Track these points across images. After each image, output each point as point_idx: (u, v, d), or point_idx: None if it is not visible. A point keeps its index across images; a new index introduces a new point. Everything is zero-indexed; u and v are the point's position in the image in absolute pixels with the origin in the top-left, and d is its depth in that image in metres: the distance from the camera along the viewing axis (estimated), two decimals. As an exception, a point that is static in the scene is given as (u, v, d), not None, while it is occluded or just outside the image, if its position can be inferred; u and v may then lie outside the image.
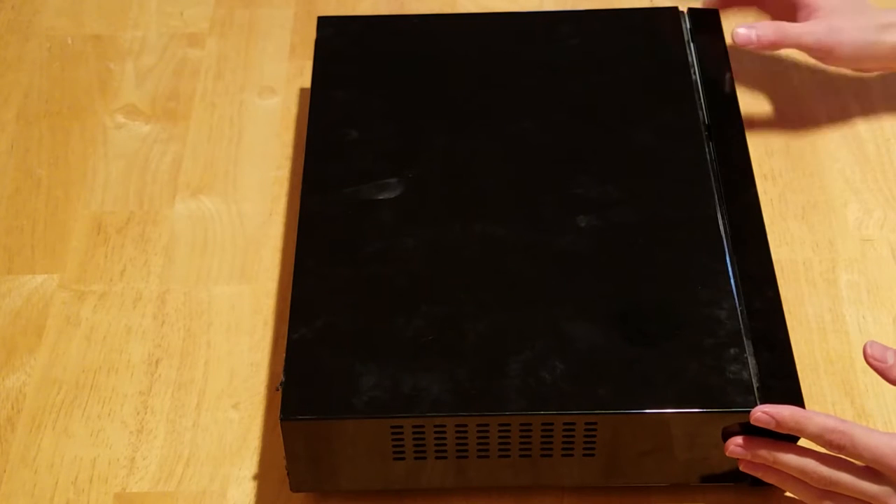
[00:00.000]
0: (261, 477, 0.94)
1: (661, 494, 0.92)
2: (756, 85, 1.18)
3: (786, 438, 0.87)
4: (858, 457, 0.84)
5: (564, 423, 0.87)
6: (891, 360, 0.86)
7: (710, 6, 1.14)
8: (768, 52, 1.11)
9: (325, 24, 1.13)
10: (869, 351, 0.87)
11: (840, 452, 0.85)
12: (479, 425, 0.87)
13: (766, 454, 0.87)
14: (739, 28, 1.06)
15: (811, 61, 1.17)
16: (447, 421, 0.87)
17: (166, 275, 1.06)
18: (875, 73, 1.16)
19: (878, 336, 1.00)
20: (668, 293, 0.93)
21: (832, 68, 1.15)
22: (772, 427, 0.85)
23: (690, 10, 1.13)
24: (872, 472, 0.85)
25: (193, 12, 1.28)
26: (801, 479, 0.87)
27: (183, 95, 1.20)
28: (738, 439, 0.87)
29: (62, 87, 1.21)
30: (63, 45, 1.25)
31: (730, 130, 1.04)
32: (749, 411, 0.86)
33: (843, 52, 1.08)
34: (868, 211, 1.08)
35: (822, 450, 0.86)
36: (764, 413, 0.85)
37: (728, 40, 1.11)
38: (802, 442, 0.87)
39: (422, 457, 0.89)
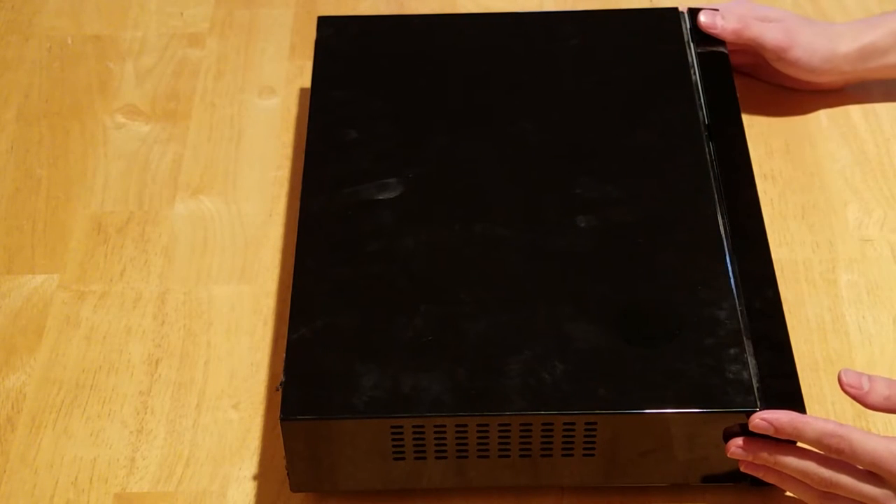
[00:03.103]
0: (261, 477, 0.94)
1: (661, 494, 0.92)
2: (756, 85, 1.18)
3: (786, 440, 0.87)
4: (857, 461, 0.84)
5: (564, 423, 0.87)
6: (866, 386, 0.86)
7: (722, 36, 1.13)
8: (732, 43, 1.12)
9: (325, 24, 1.13)
10: (844, 379, 0.87)
11: (839, 457, 0.84)
12: (479, 425, 0.87)
13: (767, 456, 0.87)
14: (703, 14, 1.11)
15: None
16: (447, 421, 0.87)
17: (166, 275, 1.06)
18: (827, 85, 1.15)
19: (878, 336, 1.00)
20: (668, 293, 0.93)
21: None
22: (770, 433, 0.85)
23: (690, 10, 1.13)
24: (873, 474, 0.85)
25: (193, 12, 1.28)
26: (801, 480, 0.87)
27: (183, 95, 1.20)
28: (739, 440, 0.87)
29: (62, 87, 1.21)
30: (63, 45, 1.25)
31: (730, 130, 1.04)
32: (749, 411, 0.86)
33: (797, 54, 1.11)
34: (868, 211, 1.08)
35: (823, 451, 0.86)
36: (762, 420, 0.85)
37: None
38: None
39: (422, 457, 0.89)
